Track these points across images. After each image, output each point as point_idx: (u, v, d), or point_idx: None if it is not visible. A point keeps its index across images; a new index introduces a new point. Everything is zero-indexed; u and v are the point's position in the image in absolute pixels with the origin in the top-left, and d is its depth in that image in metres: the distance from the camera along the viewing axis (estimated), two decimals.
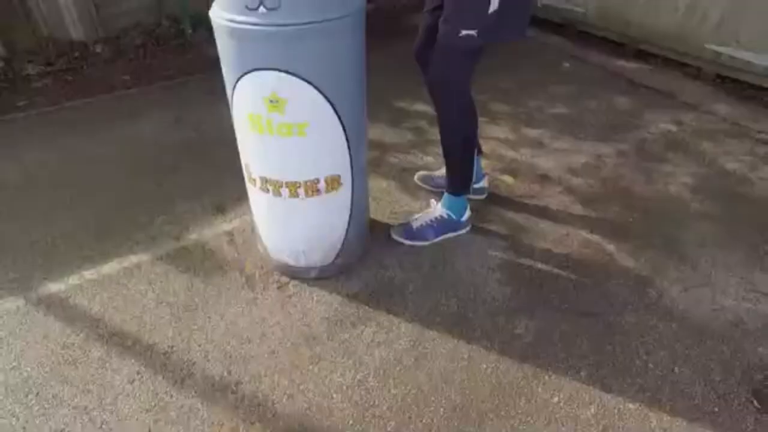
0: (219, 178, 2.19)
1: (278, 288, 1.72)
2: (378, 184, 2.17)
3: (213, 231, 1.96)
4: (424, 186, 2.14)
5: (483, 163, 2.13)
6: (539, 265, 1.79)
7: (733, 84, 2.96)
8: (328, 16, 1.24)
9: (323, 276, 1.73)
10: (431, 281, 1.74)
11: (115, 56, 3.50)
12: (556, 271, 1.77)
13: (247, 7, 1.21)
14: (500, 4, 1.37)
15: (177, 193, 2.18)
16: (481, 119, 2.73)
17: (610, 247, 1.87)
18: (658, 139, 2.52)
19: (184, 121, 2.74)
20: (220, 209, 2.07)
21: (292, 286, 1.72)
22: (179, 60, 3.49)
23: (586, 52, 3.49)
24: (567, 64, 3.29)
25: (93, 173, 2.35)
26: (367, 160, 1.70)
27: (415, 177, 2.17)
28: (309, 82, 1.29)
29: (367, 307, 1.65)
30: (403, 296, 1.69)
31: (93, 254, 1.88)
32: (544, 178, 2.24)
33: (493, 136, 2.52)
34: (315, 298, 1.68)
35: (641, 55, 3.36)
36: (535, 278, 1.75)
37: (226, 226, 1.98)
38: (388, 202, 2.08)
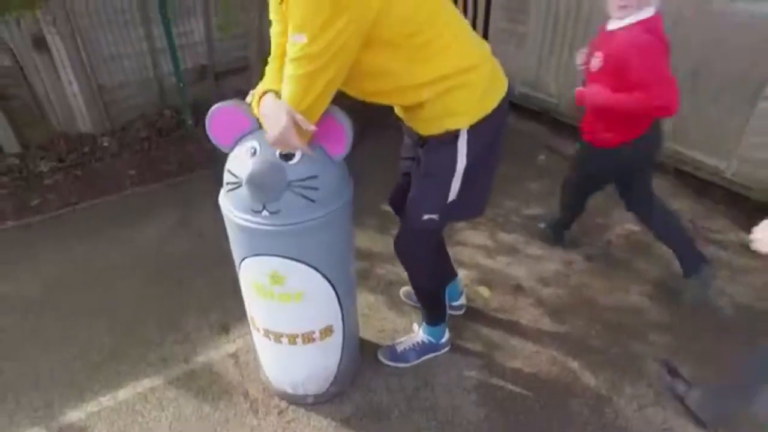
0: (221, 292, 2.41)
1: (279, 413, 1.92)
2: (366, 299, 2.40)
3: (219, 353, 2.17)
4: (408, 302, 2.36)
5: (461, 274, 2.35)
6: (510, 386, 2.01)
7: (691, 178, 3.25)
8: (323, 212, 1.48)
9: (319, 401, 1.94)
10: (414, 403, 1.95)
11: (121, 149, 3.75)
12: (524, 392, 1.99)
13: (252, 209, 1.45)
14: (458, 194, 1.55)
15: (183, 307, 2.40)
16: (461, 224, 2.96)
17: (574, 365, 2.10)
18: (623, 243, 2.78)
19: (189, 225, 2.98)
20: (225, 328, 2.28)
21: (291, 411, 1.93)
22: (181, 153, 3.75)
23: (560, 141, 3.78)
24: (542, 157, 3.57)
25: (104, 283, 2.57)
26: (356, 271, 1.90)
27: (400, 292, 2.40)
28: (306, 263, 1.53)
29: None
30: (389, 420, 1.90)
31: (109, 376, 2.08)
32: (517, 288, 2.48)
33: (472, 243, 2.76)
34: (312, 423, 1.89)
35: None
36: (507, 399, 1.97)
37: (230, 347, 2.19)
38: (377, 320, 2.31)
